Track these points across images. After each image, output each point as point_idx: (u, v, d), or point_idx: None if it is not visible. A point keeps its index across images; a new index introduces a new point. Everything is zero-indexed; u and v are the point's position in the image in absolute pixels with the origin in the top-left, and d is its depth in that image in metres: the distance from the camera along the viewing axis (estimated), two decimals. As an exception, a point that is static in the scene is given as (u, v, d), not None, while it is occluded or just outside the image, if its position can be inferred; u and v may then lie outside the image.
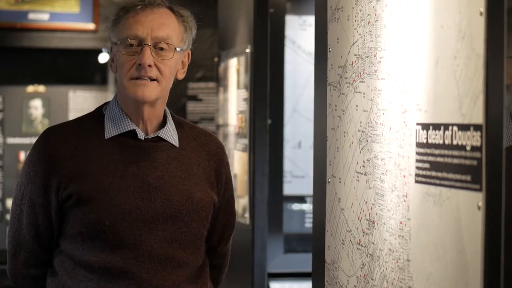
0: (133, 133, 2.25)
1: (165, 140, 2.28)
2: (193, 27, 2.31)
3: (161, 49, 2.21)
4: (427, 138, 1.73)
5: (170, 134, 2.29)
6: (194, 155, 2.32)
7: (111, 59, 2.29)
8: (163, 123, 2.30)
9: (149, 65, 2.18)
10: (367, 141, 2.02)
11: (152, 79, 2.20)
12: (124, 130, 2.24)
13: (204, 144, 2.36)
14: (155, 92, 2.21)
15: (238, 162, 4.29)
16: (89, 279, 2.19)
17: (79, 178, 2.20)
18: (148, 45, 2.19)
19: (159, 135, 2.27)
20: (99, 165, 2.21)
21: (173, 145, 2.29)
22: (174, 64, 2.24)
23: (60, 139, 2.24)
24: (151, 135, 2.27)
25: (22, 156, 5.82)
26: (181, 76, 2.32)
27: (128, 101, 2.25)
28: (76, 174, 2.20)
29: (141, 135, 2.25)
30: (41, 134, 2.29)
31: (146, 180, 2.22)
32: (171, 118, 2.33)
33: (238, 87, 4.33)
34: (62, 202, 2.21)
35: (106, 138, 2.24)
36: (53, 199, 2.22)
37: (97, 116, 2.30)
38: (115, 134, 2.24)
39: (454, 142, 1.62)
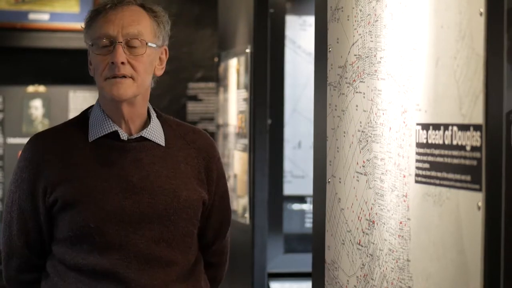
0: (116, 134, 2.25)
1: (150, 140, 2.28)
2: (166, 23, 2.29)
3: (134, 45, 2.20)
4: (427, 138, 1.73)
5: (155, 133, 2.29)
6: (182, 153, 2.32)
7: (89, 62, 2.27)
8: (147, 123, 2.30)
9: (122, 63, 2.17)
10: (367, 141, 2.02)
11: (127, 77, 2.19)
12: (106, 132, 2.24)
13: (193, 142, 2.35)
14: (131, 89, 2.20)
15: (238, 162, 4.29)
16: (80, 281, 2.20)
17: (64, 182, 2.20)
18: (120, 42, 2.18)
19: (143, 135, 2.27)
20: (84, 168, 2.21)
21: (159, 144, 2.29)
22: (149, 60, 2.23)
23: (45, 144, 2.25)
24: (134, 136, 2.26)
25: (22, 156, 5.81)
26: (159, 72, 2.30)
27: (107, 102, 2.25)
28: (61, 179, 2.21)
29: (123, 135, 2.25)
30: (28, 140, 2.29)
31: (130, 180, 2.22)
32: (155, 117, 2.32)
33: (238, 87, 4.33)
34: (49, 207, 2.22)
35: (90, 141, 2.24)
36: (40, 205, 2.23)
37: (82, 120, 2.30)
38: (98, 137, 2.24)
39: (454, 142, 1.62)
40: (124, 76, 2.18)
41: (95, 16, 2.23)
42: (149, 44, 2.22)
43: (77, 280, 2.20)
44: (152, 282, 2.21)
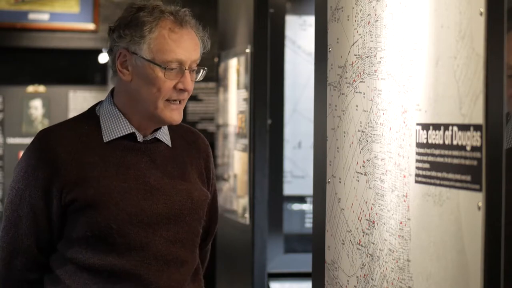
0: (131, 134, 2.25)
1: (161, 141, 2.28)
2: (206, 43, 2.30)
3: (193, 71, 2.22)
4: (427, 138, 1.73)
5: (165, 134, 2.30)
6: (186, 154, 2.34)
7: (122, 65, 2.21)
8: None
9: None
10: (367, 141, 2.02)
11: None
12: (124, 133, 2.23)
13: (193, 142, 2.38)
14: (183, 110, 2.26)
15: (238, 162, 4.29)
16: (94, 282, 2.18)
17: (82, 182, 2.18)
18: (187, 69, 2.19)
19: (157, 137, 2.27)
20: (101, 168, 2.20)
21: (167, 145, 2.30)
22: None
23: (58, 142, 2.21)
24: (149, 137, 2.27)
25: (22, 156, 5.80)
26: None
27: (138, 109, 2.23)
28: (79, 178, 2.18)
29: (140, 137, 2.25)
30: (36, 137, 2.25)
31: (147, 181, 2.23)
32: None
33: (238, 87, 4.33)
34: (65, 206, 2.20)
35: (105, 141, 2.23)
36: (55, 204, 2.20)
37: (92, 118, 2.27)
38: (114, 138, 2.24)
39: (454, 142, 1.62)
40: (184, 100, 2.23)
41: (156, 27, 2.17)
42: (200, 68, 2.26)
43: (91, 281, 2.18)
44: (170, 283, 2.22)
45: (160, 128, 2.29)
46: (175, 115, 2.21)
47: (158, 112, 2.20)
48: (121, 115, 2.24)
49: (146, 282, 2.19)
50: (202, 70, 2.25)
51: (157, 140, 2.28)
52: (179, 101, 2.22)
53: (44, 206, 2.21)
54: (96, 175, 2.19)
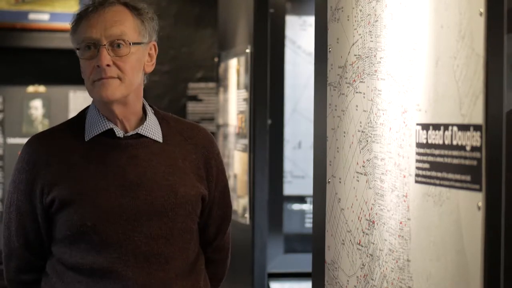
0: (112, 132, 2.25)
1: (147, 137, 2.28)
2: (150, 19, 2.28)
3: (118, 46, 2.19)
4: (427, 138, 1.73)
5: (151, 129, 2.29)
6: (180, 149, 2.32)
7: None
8: (143, 120, 2.30)
9: (108, 65, 2.17)
10: (367, 141, 2.02)
11: (113, 78, 2.19)
12: (102, 130, 2.25)
13: (191, 137, 2.35)
14: (119, 90, 2.20)
15: (238, 162, 4.29)
16: (78, 281, 2.20)
17: (61, 182, 2.21)
18: (104, 45, 2.18)
19: (139, 132, 2.27)
20: (80, 167, 2.22)
21: (156, 141, 2.29)
22: (135, 59, 2.22)
23: (42, 145, 2.26)
24: (130, 133, 2.27)
25: (22, 156, 5.79)
26: (149, 69, 2.29)
27: (99, 103, 2.26)
28: (58, 178, 2.21)
29: (119, 133, 2.25)
30: (25, 142, 2.30)
31: (127, 177, 2.22)
32: (152, 114, 2.32)
33: (238, 87, 4.33)
34: (47, 207, 2.23)
35: (86, 140, 2.25)
36: (38, 205, 2.23)
37: (79, 120, 2.31)
38: (94, 135, 2.25)
39: (454, 142, 1.63)
40: (112, 78, 2.19)
41: (79, 20, 2.23)
42: (134, 43, 2.21)
43: (75, 280, 2.20)
44: (150, 280, 2.21)
45: (143, 123, 2.28)
46: (102, 91, 2.19)
47: (92, 94, 2.22)
48: (99, 113, 2.26)
49: (124, 278, 2.19)
50: (130, 44, 2.20)
51: (141, 135, 2.28)
52: (109, 78, 2.19)
53: (29, 208, 2.25)
54: (75, 174, 2.22)
